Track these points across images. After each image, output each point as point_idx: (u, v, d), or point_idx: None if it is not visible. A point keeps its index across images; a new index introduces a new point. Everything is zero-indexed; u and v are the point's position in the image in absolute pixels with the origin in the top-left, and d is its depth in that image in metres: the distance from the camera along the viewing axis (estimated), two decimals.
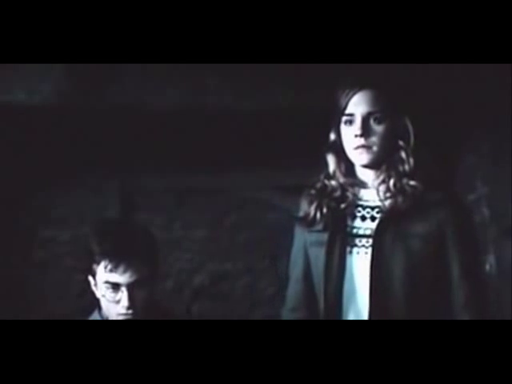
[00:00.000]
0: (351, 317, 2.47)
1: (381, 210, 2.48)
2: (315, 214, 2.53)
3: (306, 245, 2.58)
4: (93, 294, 2.68)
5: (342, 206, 2.51)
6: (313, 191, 2.57)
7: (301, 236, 2.61)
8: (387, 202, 2.46)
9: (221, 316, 4.53)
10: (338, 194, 2.52)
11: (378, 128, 2.47)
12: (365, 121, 2.46)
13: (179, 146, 4.22)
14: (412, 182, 2.45)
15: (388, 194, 2.47)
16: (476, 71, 3.47)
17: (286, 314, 2.64)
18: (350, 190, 2.52)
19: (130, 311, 2.58)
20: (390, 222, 2.45)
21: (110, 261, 2.56)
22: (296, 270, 2.63)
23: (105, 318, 2.66)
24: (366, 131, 2.45)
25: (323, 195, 2.54)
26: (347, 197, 2.51)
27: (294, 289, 2.64)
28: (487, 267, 3.99)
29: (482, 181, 4.09)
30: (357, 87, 2.48)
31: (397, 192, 2.45)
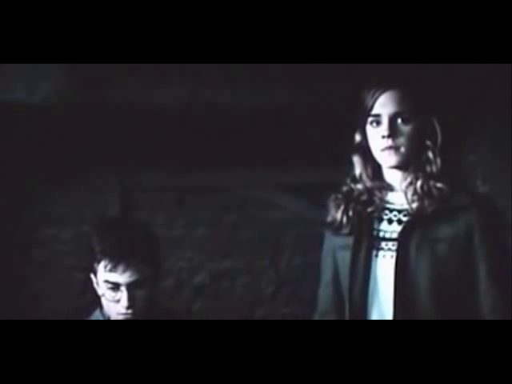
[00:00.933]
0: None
1: (408, 213, 2.45)
2: (342, 219, 2.50)
3: (335, 248, 2.55)
4: (95, 291, 2.67)
5: (369, 209, 2.48)
6: (339, 195, 2.53)
7: (329, 240, 2.58)
8: (414, 205, 2.43)
9: (221, 314, 4.54)
10: (364, 197, 2.49)
11: (406, 128, 2.42)
12: (392, 121, 2.42)
13: (180, 145, 4.23)
14: (439, 185, 2.41)
15: (415, 197, 2.43)
16: (476, 71, 3.47)
17: (318, 318, 2.61)
18: (377, 193, 2.48)
19: (129, 311, 2.57)
20: (416, 225, 2.41)
21: (110, 260, 2.55)
22: (326, 274, 2.60)
23: (106, 317, 2.66)
24: (393, 132, 2.41)
25: (350, 199, 2.51)
26: (374, 201, 2.48)
27: (323, 292, 2.60)
28: None
29: (482, 180, 4.09)
30: (382, 87, 2.44)
31: (423, 195, 2.41)
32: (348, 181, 2.53)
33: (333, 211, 2.54)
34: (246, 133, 4.15)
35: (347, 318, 2.46)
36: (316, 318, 2.61)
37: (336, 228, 2.52)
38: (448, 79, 3.57)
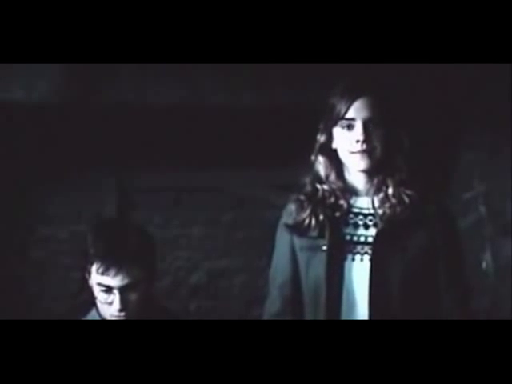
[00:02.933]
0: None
1: (376, 218, 2.48)
2: (310, 221, 2.50)
3: (295, 249, 2.55)
4: (91, 291, 2.67)
5: (337, 214, 2.50)
6: (302, 197, 2.54)
7: (286, 240, 2.57)
8: (384, 211, 2.47)
9: (218, 314, 4.54)
10: (331, 200, 2.51)
11: (378, 134, 2.47)
12: (366, 126, 2.45)
13: (177, 145, 4.23)
14: (409, 192, 2.47)
15: (387, 204, 2.47)
16: (476, 71, 3.47)
17: (271, 318, 2.56)
18: (343, 196, 2.51)
19: (122, 313, 2.56)
20: (389, 231, 2.45)
21: (102, 263, 2.53)
22: (283, 275, 2.58)
23: (102, 317, 2.66)
24: (367, 136, 2.44)
25: (315, 201, 2.51)
26: (341, 205, 2.50)
27: (279, 293, 2.57)
28: (483, 265, 4.00)
29: (479, 179, 4.10)
30: (357, 93, 2.47)
31: (396, 202, 2.46)
32: (308, 181, 2.55)
33: (295, 213, 2.54)
34: (243, 132, 4.15)
35: (323, 318, 2.46)
36: (267, 317, 2.58)
37: (303, 231, 2.51)
38: (422, 81, 3.60)
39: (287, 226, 2.55)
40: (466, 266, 2.55)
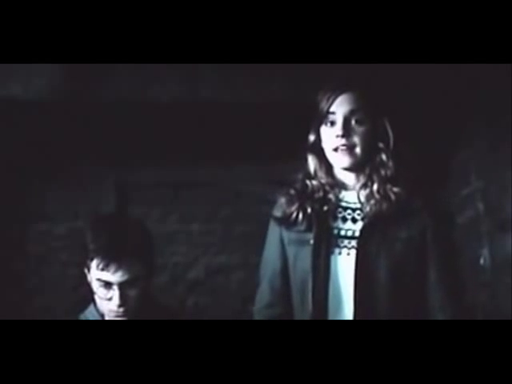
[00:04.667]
0: (336, 314, 2.50)
1: (363, 213, 2.51)
2: (297, 215, 2.54)
3: (284, 242, 2.60)
4: (89, 287, 2.67)
5: (325, 208, 2.53)
6: (292, 191, 2.59)
7: (276, 233, 2.62)
8: (371, 207, 2.49)
9: (216, 310, 4.54)
10: (320, 194, 2.55)
11: (360, 129, 2.50)
12: (346, 122, 2.49)
13: (175, 141, 4.22)
14: (395, 189, 2.49)
15: (372, 201, 2.50)
16: (476, 71, 3.48)
17: (260, 311, 2.65)
18: (332, 191, 2.55)
19: (121, 309, 2.58)
20: (375, 226, 2.48)
21: (102, 259, 2.55)
22: (273, 267, 2.64)
23: (100, 312, 2.67)
24: (347, 132, 2.48)
25: (304, 196, 2.56)
26: (330, 199, 2.54)
27: (269, 285, 2.64)
28: (481, 261, 4.01)
29: (477, 175, 4.10)
30: (340, 90, 2.51)
31: (381, 198, 2.49)
32: (301, 177, 2.59)
33: (285, 206, 2.58)
34: (241, 128, 4.15)
35: (308, 312, 2.50)
36: (258, 311, 2.67)
37: (290, 223, 2.56)
38: (419, 78, 3.60)
39: (275, 218, 2.61)
40: (460, 262, 2.58)
